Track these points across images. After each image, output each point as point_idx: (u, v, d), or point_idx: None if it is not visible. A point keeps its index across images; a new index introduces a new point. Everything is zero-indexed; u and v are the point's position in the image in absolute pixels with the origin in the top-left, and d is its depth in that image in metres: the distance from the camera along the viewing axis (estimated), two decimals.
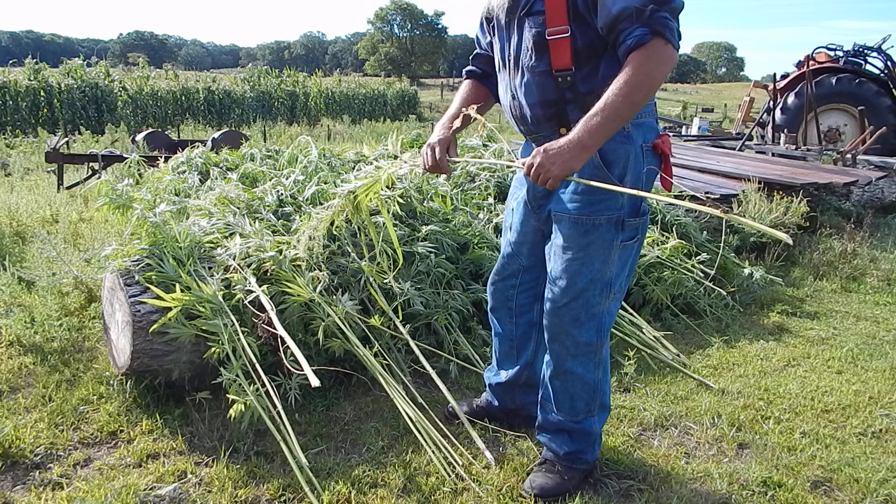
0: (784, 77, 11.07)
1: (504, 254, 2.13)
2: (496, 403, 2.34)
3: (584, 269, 1.79)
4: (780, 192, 4.95)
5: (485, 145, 4.66)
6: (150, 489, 1.96)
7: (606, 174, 1.73)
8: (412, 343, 2.45)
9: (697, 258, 3.65)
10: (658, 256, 3.47)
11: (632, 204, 1.77)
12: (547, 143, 1.67)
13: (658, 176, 1.83)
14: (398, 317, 2.51)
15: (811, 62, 10.27)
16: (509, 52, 1.85)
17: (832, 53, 11.05)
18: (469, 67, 2.09)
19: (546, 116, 1.81)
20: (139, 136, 7.86)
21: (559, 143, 1.63)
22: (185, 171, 3.98)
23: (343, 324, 2.38)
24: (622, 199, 1.75)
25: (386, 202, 3.03)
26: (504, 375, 2.26)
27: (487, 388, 2.36)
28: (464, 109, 1.92)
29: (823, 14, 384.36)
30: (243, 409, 2.05)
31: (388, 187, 3.26)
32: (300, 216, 2.80)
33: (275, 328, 2.21)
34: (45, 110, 15.05)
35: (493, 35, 1.93)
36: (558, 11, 1.68)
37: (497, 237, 3.15)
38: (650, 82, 1.59)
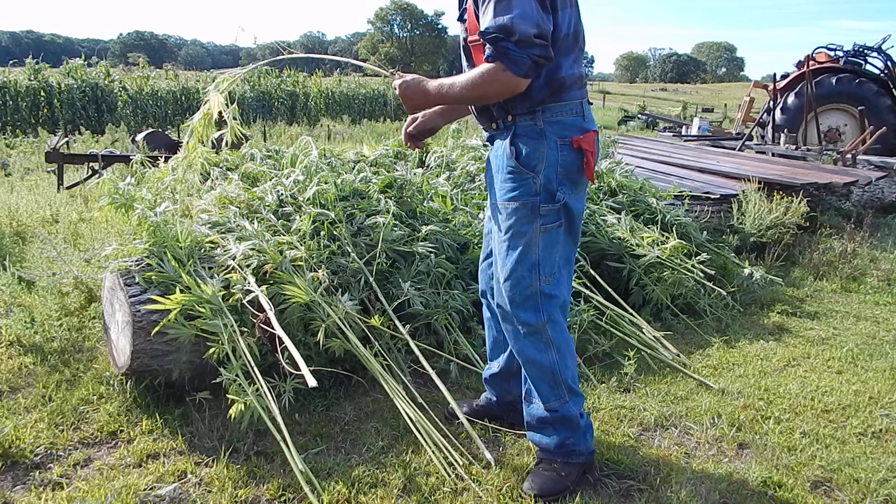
0: (784, 77, 11.07)
1: (486, 231, 2.23)
2: (494, 399, 2.37)
3: (511, 251, 1.95)
4: (780, 192, 4.94)
5: (484, 145, 4.66)
6: (150, 489, 1.96)
7: (517, 164, 1.90)
8: (412, 343, 2.46)
9: (697, 258, 3.64)
10: (658, 256, 3.47)
11: (547, 192, 1.91)
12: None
13: (580, 168, 1.95)
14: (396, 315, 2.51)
15: (811, 62, 10.27)
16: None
17: (832, 53, 11.05)
18: None
19: (479, 111, 2.01)
20: (139, 136, 7.83)
21: (419, 87, 1.92)
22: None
23: (343, 324, 2.38)
24: (536, 187, 1.90)
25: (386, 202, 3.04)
26: (497, 366, 2.32)
27: (485, 385, 2.40)
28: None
29: (823, 14, 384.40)
30: (243, 408, 2.05)
31: (387, 187, 3.29)
32: (300, 216, 2.80)
33: (273, 328, 2.21)
34: (45, 110, 15.01)
35: None
36: (473, 21, 1.87)
37: None
38: (482, 93, 1.83)
